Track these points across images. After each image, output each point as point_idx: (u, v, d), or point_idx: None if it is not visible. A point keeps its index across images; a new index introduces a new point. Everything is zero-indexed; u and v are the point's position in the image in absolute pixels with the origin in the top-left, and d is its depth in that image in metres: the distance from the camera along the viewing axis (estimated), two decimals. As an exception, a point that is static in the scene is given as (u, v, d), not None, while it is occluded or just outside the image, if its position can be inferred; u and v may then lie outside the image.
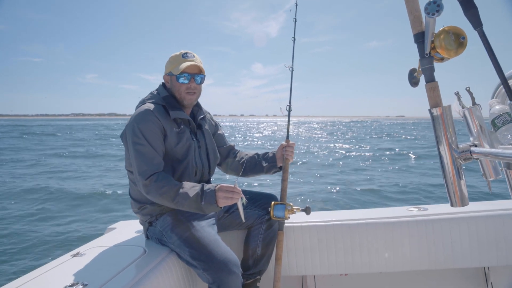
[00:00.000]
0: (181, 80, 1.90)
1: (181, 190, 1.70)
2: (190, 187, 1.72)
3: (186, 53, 1.94)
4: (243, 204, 1.71)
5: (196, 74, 1.92)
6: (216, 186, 1.71)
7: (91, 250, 1.84)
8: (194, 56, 1.95)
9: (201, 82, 1.97)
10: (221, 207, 1.69)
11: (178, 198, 1.69)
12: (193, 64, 1.90)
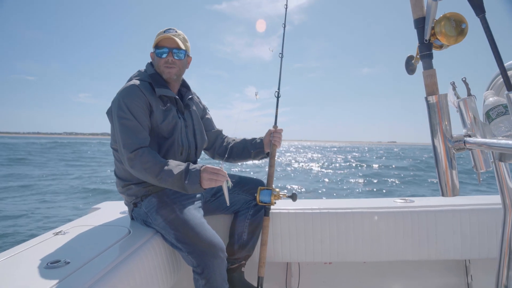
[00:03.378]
0: (161, 55, 1.87)
1: (165, 167, 1.67)
2: (175, 165, 1.69)
3: (169, 29, 1.91)
4: (228, 188, 1.68)
5: (175, 48, 1.88)
6: (201, 167, 1.68)
7: (74, 229, 1.80)
8: (176, 32, 1.91)
9: (183, 58, 1.92)
10: (204, 189, 1.67)
11: (162, 174, 1.66)
12: (169, 37, 1.86)
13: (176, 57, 1.88)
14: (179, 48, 1.88)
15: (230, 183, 1.69)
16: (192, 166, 1.70)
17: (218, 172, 1.66)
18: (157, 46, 1.87)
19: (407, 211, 2.07)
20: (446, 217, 2.05)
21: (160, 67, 1.89)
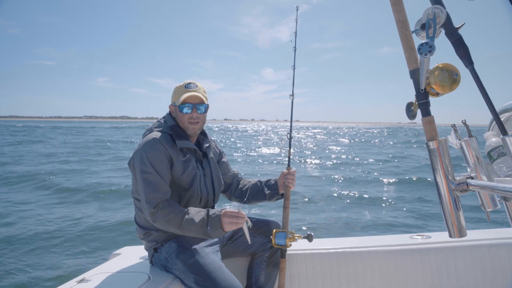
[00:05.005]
0: (184, 110, 1.94)
1: (186, 216, 1.73)
2: (196, 213, 1.75)
3: (189, 83, 1.99)
4: (248, 227, 1.75)
5: (199, 104, 1.96)
6: (221, 211, 1.74)
7: (96, 276, 1.85)
8: (197, 86, 1.99)
9: (205, 112, 2.01)
10: (227, 232, 1.73)
11: (184, 224, 1.72)
12: (194, 95, 1.94)
13: (199, 112, 1.96)
14: (202, 103, 1.98)
15: (250, 223, 1.75)
16: (211, 211, 1.76)
17: (238, 215, 1.72)
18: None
19: (424, 248, 2.05)
20: (465, 253, 2.01)
21: (184, 122, 1.96)
